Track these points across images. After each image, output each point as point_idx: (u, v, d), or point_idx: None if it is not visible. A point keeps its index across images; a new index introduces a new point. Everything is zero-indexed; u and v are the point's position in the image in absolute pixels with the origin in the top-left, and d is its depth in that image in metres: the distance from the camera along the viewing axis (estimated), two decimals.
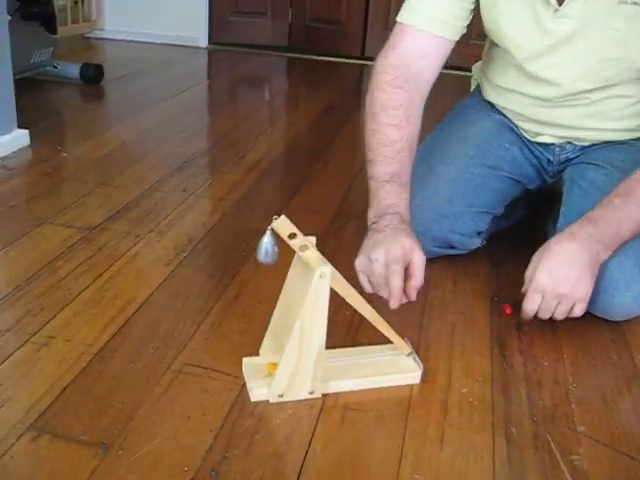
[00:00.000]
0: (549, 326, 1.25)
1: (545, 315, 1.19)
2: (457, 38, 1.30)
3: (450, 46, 1.31)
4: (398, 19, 1.32)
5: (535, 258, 1.19)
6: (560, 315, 1.19)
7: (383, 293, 1.13)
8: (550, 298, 1.17)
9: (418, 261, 1.12)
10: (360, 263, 1.16)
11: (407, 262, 1.11)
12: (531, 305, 1.18)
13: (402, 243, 1.11)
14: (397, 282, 1.08)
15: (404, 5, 1.32)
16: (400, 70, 1.28)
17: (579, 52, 1.25)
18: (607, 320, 1.27)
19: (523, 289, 1.21)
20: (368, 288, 1.15)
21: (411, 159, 1.26)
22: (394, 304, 1.09)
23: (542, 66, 1.30)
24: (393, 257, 1.10)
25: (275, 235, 0.95)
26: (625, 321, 1.27)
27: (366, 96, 1.30)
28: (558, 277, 1.15)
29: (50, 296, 1.24)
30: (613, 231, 1.17)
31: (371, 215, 1.21)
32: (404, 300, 1.11)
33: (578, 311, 1.18)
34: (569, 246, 1.16)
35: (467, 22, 1.30)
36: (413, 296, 1.12)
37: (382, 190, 1.21)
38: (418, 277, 1.12)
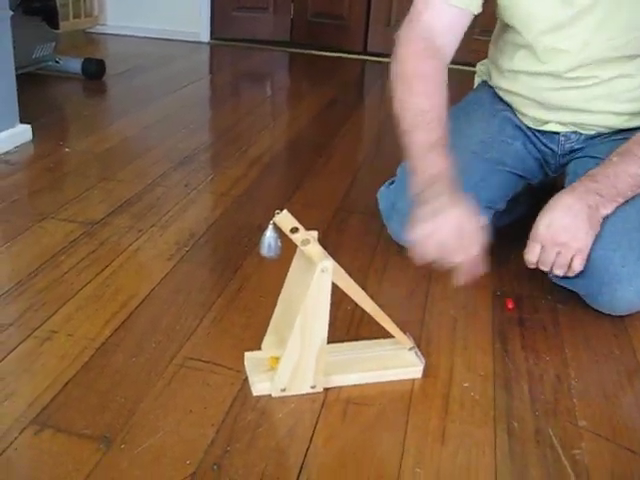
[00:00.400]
0: (551, 320, 1.25)
1: (545, 266, 1.22)
2: (477, 12, 1.29)
3: (470, 19, 1.30)
4: None
5: (538, 215, 1.22)
6: (559, 268, 1.21)
7: (444, 265, 1.14)
8: (549, 247, 1.20)
9: (473, 230, 1.13)
10: (414, 237, 1.14)
11: (464, 233, 1.12)
12: (531, 255, 1.22)
13: (454, 215, 1.12)
14: (457, 259, 1.11)
15: None
16: (429, 41, 1.28)
17: (596, 21, 1.26)
18: (609, 315, 1.27)
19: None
20: (426, 258, 1.14)
21: (446, 126, 1.24)
22: (461, 280, 1.12)
23: (561, 37, 1.30)
24: (447, 234, 1.11)
25: (278, 229, 0.95)
26: (627, 316, 1.27)
27: (392, 66, 1.29)
28: (557, 227, 1.19)
29: (52, 291, 1.25)
30: (611, 184, 1.20)
31: (417, 186, 1.20)
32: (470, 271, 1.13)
33: (577, 264, 1.20)
34: (568, 198, 1.20)
35: None
36: (479, 268, 1.13)
37: (425, 160, 1.20)
38: (476, 246, 1.12)
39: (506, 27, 1.40)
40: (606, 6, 1.24)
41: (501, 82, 1.50)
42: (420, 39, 1.28)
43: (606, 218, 1.21)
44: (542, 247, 1.21)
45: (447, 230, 1.11)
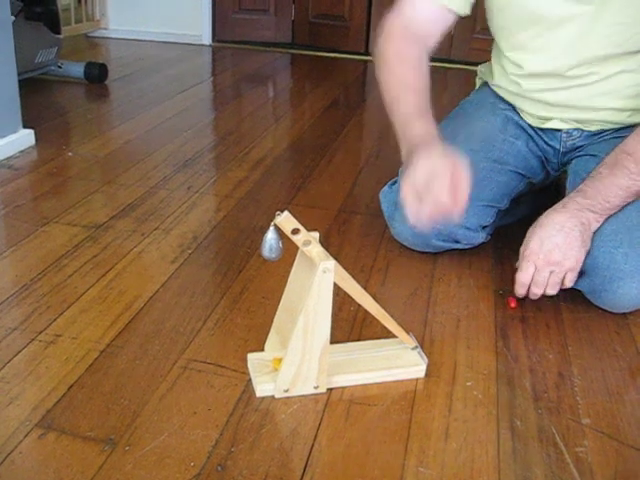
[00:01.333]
0: (554, 318, 1.25)
1: (538, 289, 1.23)
2: (462, 14, 1.35)
3: (454, 18, 1.35)
4: None
5: (529, 232, 1.23)
6: (552, 289, 1.23)
7: (425, 207, 1.08)
8: (542, 267, 1.21)
9: (463, 167, 1.09)
10: (404, 181, 1.11)
11: (451, 170, 1.09)
12: (524, 275, 1.22)
13: (445, 154, 1.10)
14: (444, 195, 1.06)
15: None
16: (409, 29, 1.33)
17: (590, 20, 1.26)
18: (612, 312, 1.27)
19: (517, 264, 1.26)
20: (413, 213, 1.10)
21: (428, 100, 1.27)
22: (433, 216, 1.07)
23: (558, 35, 1.31)
24: (438, 167, 1.08)
25: (279, 231, 0.95)
26: (630, 313, 1.28)
27: (374, 50, 1.35)
28: (550, 245, 1.20)
29: (56, 294, 1.25)
30: (602, 199, 1.21)
31: (404, 151, 1.21)
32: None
33: (568, 281, 1.22)
34: (560, 216, 1.21)
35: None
36: (456, 212, 1.09)
37: (410, 126, 1.22)
38: (465, 184, 1.09)
39: (501, 31, 1.41)
40: (601, 4, 1.24)
41: (503, 82, 1.50)
42: (401, 27, 1.34)
43: (610, 216, 1.22)
44: (535, 267, 1.21)
45: (421, 171, 1.09)
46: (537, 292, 1.23)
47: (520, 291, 1.25)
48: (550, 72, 1.37)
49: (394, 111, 1.27)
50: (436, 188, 1.06)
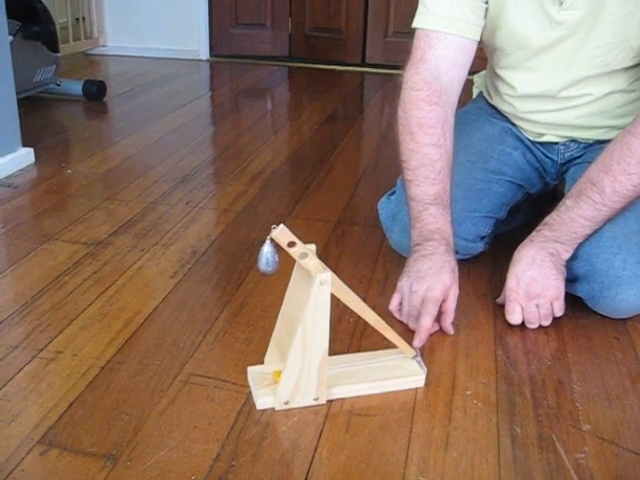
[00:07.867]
0: (552, 326, 1.25)
1: (532, 325, 1.24)
2: (478, 39, 1.31)
3: (474, 48, 1.31)
4: (419, 25, 1.30)
5: (507, 274, 1.25)
6: (545, 320, 1.24)
7: (410, 324, 1.21)
8: (526, 303, 1.22)
9: (453, 299, 1.20)
10: (401, 286, 1.23)
11: (444, 298, 1.19)
12: (512, 315, 1.24)
13: (444, 281, 1.18)
14: (427, 322, 1.16)
15: (420, 10, 1.30)
16: (433, 85, 1.27)
17: (580, 41, 1.27)
18: (611, 318, 1.27)
19: (498, 300, 1.30)
20: (395, 309, 1.24)
21: (450, 177, 1.28)
22: (418, 343, 1.15)
23: (549, 57, 1.32)
24: (432, 296, 1.17)
25: (275, 244, 0.96)
26: (629, 319, 1.28)
27: (398, 111, 1.30)
28: (526, 279, 1.21)
29: (57, 311, 1.26)
30: (568, 231, 1.21)
31: (415, 236, 1.25)
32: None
33: (557, 310, 1.23)
34: (528, 250, 1.22)
35: (484, 22, 1.31)
36: (450, 330, 1.22)
37: (426, 213, 1.24)
38: (450, 315, 1.21)
39: (494, 51, 1.42)
40: (587, 27, 1.25)
41: (498, 103, 1.51)
42: (425, 84, 1.27)
43: (605, 223, 1.22)
44: (520, 306, 1.22)
45: (418, 296, 1.19)
46: (532, 327, 1.24)
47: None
48: (542, 93, 1.37)
49: (411, 186, 1.26)
50: (422, 320, 1.16)
